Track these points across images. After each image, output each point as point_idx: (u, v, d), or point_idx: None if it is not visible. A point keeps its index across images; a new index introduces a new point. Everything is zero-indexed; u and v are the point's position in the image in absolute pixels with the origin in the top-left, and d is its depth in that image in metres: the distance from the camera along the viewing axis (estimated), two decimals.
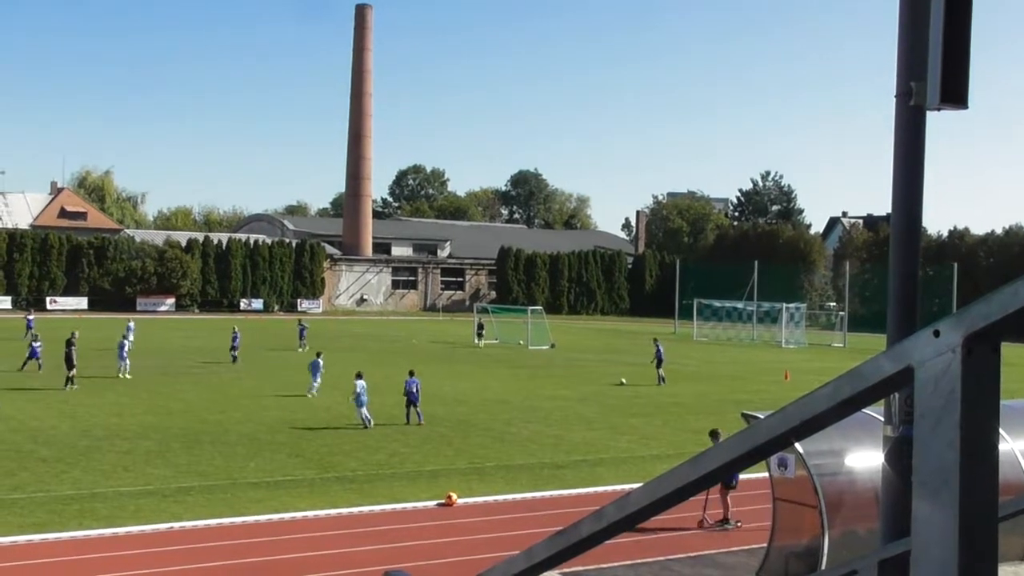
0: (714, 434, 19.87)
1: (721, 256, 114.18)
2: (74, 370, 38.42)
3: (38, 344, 44.38)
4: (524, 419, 33.44)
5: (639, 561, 16.39)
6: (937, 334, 1.96)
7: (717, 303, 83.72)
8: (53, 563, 16.15)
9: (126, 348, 43.37)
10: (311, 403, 35.45)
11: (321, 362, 37.70)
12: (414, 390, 31.12)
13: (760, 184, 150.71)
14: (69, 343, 39.16)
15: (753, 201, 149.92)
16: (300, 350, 57.32)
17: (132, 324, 58.53)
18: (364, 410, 30.31)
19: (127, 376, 41.54)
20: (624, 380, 43.82)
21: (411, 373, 32.00)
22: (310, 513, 19.86)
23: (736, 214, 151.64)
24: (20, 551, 16.75)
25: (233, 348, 50.83)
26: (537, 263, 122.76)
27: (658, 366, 44.58)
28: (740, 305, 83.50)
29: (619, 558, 15.92)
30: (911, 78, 5.89)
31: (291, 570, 16.15)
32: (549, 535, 3.90)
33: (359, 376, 30.85)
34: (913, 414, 1.93)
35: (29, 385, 38.61)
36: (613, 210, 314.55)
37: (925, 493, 1.94)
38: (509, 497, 21.97)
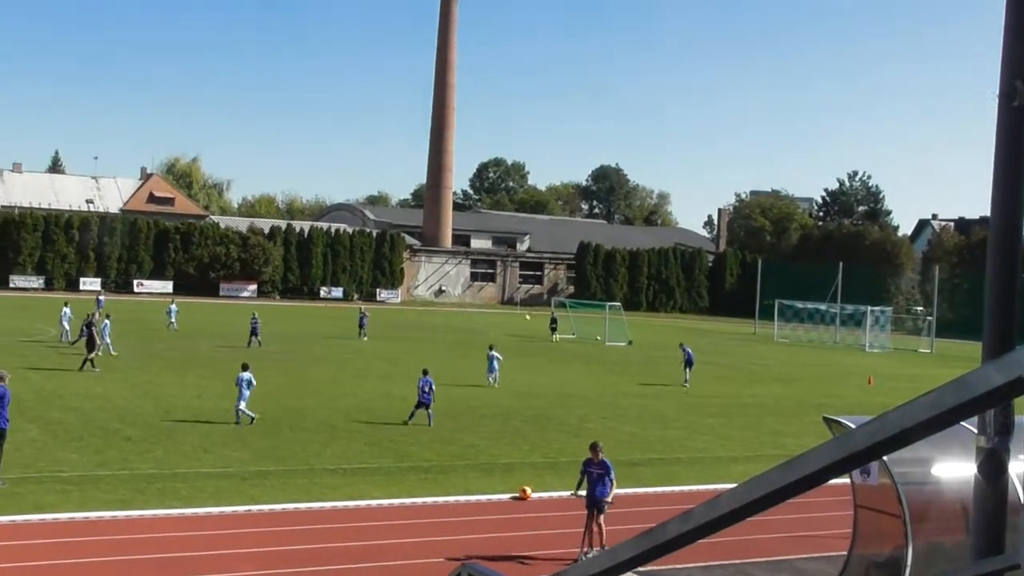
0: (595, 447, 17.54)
1: (804, 256, 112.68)
2: (94, 352, 38.09)
3: (107, 322, 44.84)
4: (599, 415, 33.31)
5: (714, 564, 16.20)
6: None
7: (799, 304, 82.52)
8: (135, 539, 16.44)
9: (107, 331, 42.74)
10: (387, 392, 35.66)
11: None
12: (427, 390, 29.14)
13: (847, 184, 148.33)
14: (89, 325, 39.29)
15: (839, 201, 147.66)
16: (362, 339, 57.71)
17: (174, 306, 60.48)
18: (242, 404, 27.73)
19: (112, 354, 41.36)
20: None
21: (424, 372, 30.03)
22: (385, 501, 19.97)
23: (821, 214, 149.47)
24: (105, 526, 17.09)
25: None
26: (616, 259, 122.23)
27: (687, 367, 43.06)
28: (823, 307, 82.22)
29: (693, 559, 15.75)
30: (1015, 77, 5.69)
31: (365, 556, 16.25)
32: (635, 535, 3.83)
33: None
34: (1010, 425, 1.84)
35: (114, 366, 39.37)
36: (694, 207, 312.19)
37: None
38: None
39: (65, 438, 24.41)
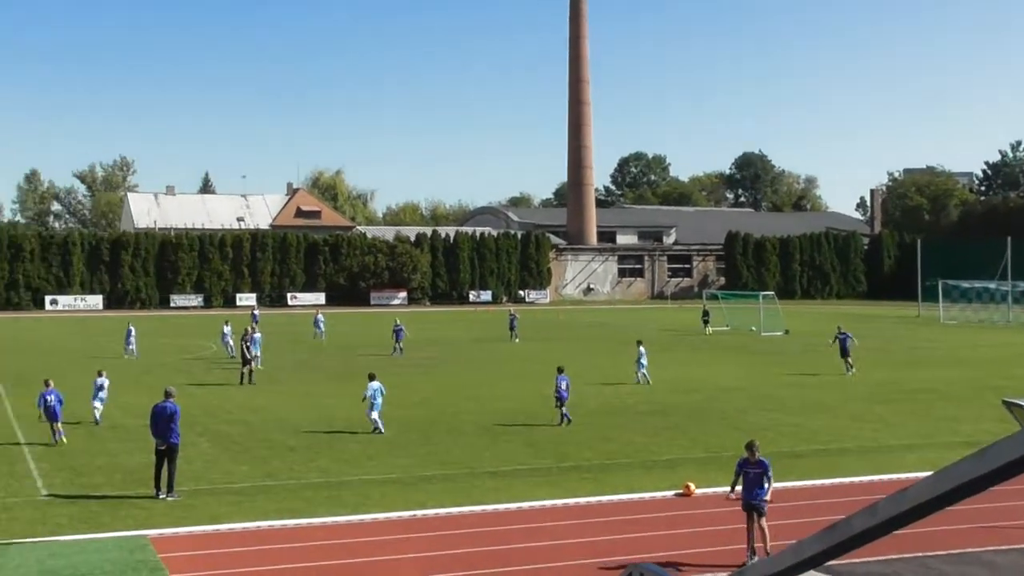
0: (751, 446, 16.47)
1: (966, 233, 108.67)
2: (248, 365, 38.75)
3: (257, 336, 45.76)
4: (760, 407, 32.60)
5: (894, 556, 15.56)
6: None
7: (965, 284, 79.42)
8: (306, 547, 16.68)
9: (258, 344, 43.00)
10: (542, 393, 35.57)
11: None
12: (563, 387, 28.58)
13: (1010, 155, 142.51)
14: (243, 338, 39.92)
15: (1002, 174, 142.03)
16: (514, 341, 57.76)
17: (321, 317, 62.39)
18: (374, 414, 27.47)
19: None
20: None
21: (560, 370, 29.32)
22: (547, 502, 19.84)
23: (983, 188, 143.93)
24: (276, 535, 17.40)
25: (397, 340, 50.88)
26: (767, 247, 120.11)
27: (844, 353, 41.55)
28: (992, 285, 78.85)
29: (872, 553, 15.16)
30: None
31: (531, 558, 16.14)
32: (819, 530, 3.56)
33: (372, 378, 28.03)
34: None
35: (275, 378, 40.31)
36: (844, 190, 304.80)
37: None
38: None
39: (234, 450, 25.03)
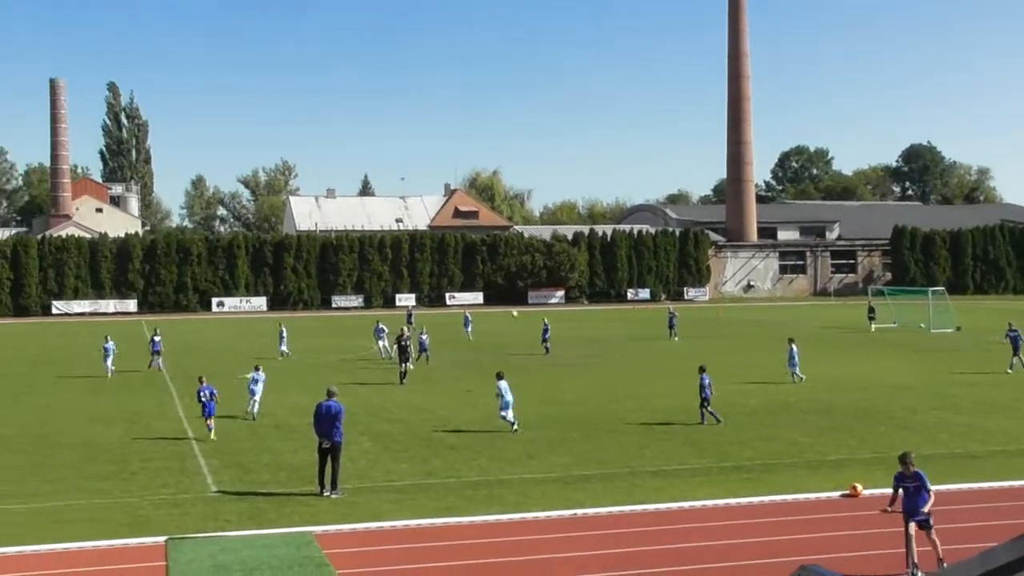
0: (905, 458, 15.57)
1: None
2: (405, 365, 39.27)
3: (424, 337, 46.46)
4: (930, 406, 31.45)
5: None
6: None
7: None
8: (466, 545, 16.77)
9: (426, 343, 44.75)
10: (694, 391, 35.08)
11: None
12: (706, 384, 28.40)
13: None
14: (399, 339, 40.45)
15: None
16: (673, 340, 57.15)
17: (469, 315, 64.05)
18: (510, 413, 27.52)
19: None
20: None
21: (701, 369, 29.15)
22: (709, 502, 19.50)
23: None
24: (436, 533, 17.55)
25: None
26: (936, 241, 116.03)
27: (1016, 351, 40.30)
28: None
29: None
30: None
31: (693, 558, 15.88)
32: (1012, 537, 3.31)
33: (500, 377, 27.98)
34: None
35: (433, 377, 40.80)
36: (1021, 181, 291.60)
37: None
38: None
39: (394, 449, 25.39)
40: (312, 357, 49.42)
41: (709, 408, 28.43)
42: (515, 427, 27.31)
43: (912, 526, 14.90)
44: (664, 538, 17.05)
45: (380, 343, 49.23)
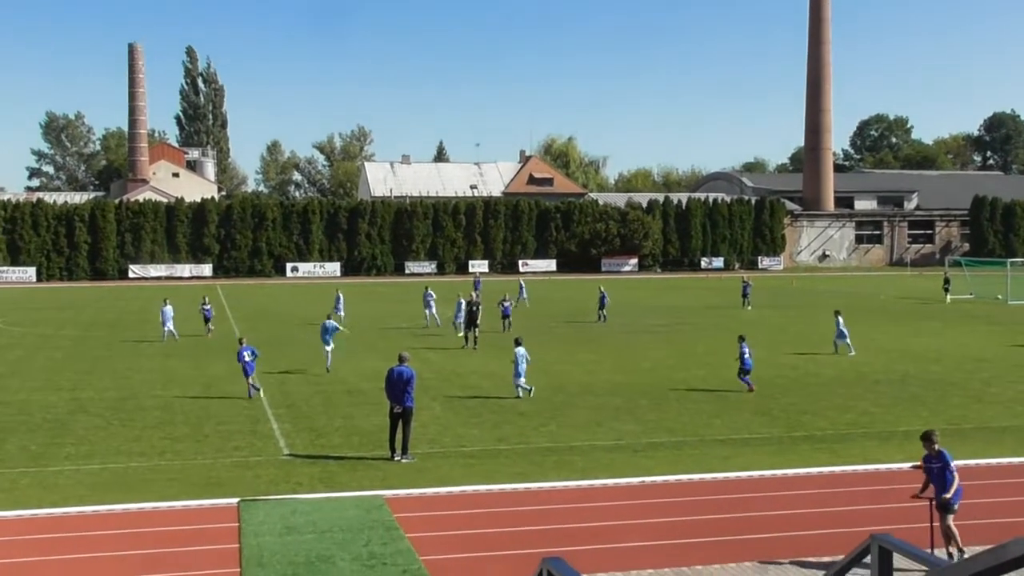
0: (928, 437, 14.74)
1: None
2: (474, 331, 39.71)
3: (508, 304, 46.59)
4: (1006, 379, 30.87)
5: None
6: None
7: None
8: (535, 511, 16.82)
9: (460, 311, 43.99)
10: (774, 362, 34.81)
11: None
12: (746, 356, 28.82)
13: None
14: (470, 304, 40.77)
15: None
16: (746, 309, 56.65)
17: (523, 282, 63.63)
18: (521, 380, 27.92)
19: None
20: None
21: (741, 339, 29.71)
22: (779, 472, 19.34)
23: None
24: (506, 498, 17.62)
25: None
26: (1016, 212, 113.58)
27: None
28: None
29: None
30: None
31: (759, 527, 15.77)
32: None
33: (518, 343, 28.24)
34: None
35: (504, 344, 40.86)
36: None
37: None
38: (993, 461, 20.26)
39: (465, 414, 25.51)
40: (384, 322, 49.77)
41: (745, 377, 28.81)
42: (530, 392, 27.79)
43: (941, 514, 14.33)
44: (733, 507, 16.95)
45: (428, 311, 48.54)
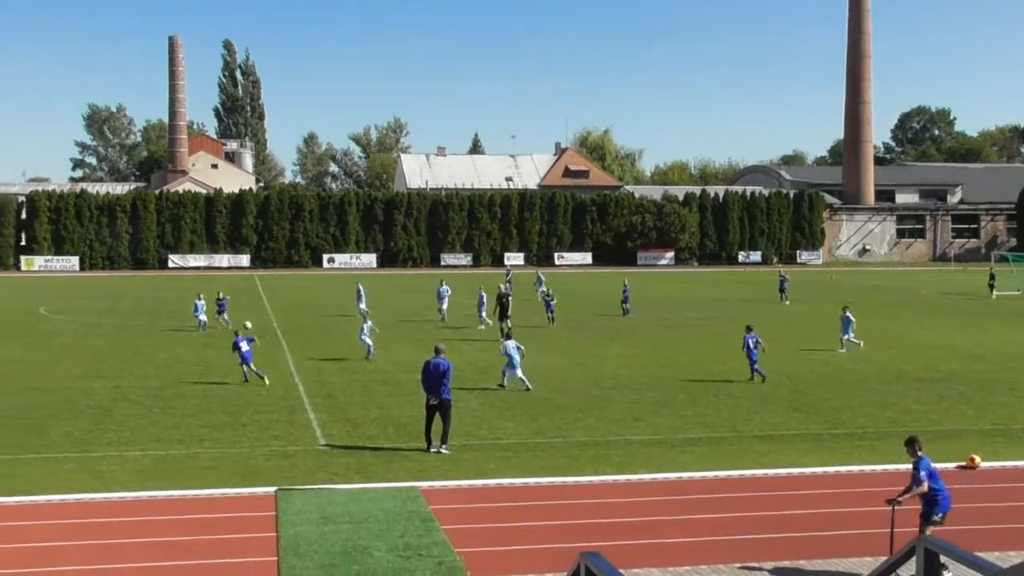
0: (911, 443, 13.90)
1: None
2: (506, 323, 39.88)
3: (552, 300, 46.22)
4: None
5: None
6: None
7: None
8: (571, 505, 16.74)
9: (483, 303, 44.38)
10: (809, 358, 34.51)
11: (513, 344, 28.51)
12: (752, 346, 28.82)
13: None
14: (500, 296, 41.11)
15: None
16: (784, 303, 56.23)
17: (542, 275, 63.18)
18: (518, 372, 27.88)
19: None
20: None
21: (748, 328, 29.49)
22: (818, 469, 19.13)
23: None
24: (542, 492, 17.55)
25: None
26: None
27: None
28: None
29: None
30: None
31: (801, 525, 15.60)
32: None
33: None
34: None
35: (541, 336, 40.80)
36: None
37: None
38: None
39: (501, 407, 25.44)
40: (419, 314, 49.79)
41: (755, 366, 29.09)
42: (531, 387, 27.64)
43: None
44: (771, 504, 16.78)
45: (441, 305, 47.39)
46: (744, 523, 15.79)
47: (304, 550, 14.39)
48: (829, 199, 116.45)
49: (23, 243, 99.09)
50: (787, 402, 26.09)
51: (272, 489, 17.48)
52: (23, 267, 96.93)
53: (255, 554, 14.33)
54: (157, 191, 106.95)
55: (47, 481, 18.08)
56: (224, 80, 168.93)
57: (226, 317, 44.48)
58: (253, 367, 28.89)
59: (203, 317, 42.97)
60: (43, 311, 52.49)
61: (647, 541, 14.95)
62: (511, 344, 28.11)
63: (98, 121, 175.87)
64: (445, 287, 48.16)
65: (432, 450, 20.31)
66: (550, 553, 14.29)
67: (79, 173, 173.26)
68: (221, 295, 46.70)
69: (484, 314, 44.19)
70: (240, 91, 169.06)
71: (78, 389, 27.98)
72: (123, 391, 27.72)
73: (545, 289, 58.46)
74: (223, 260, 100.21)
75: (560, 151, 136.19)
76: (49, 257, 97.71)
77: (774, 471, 18.96)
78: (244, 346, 28.91)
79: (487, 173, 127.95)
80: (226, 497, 17.18)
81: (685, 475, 18.63)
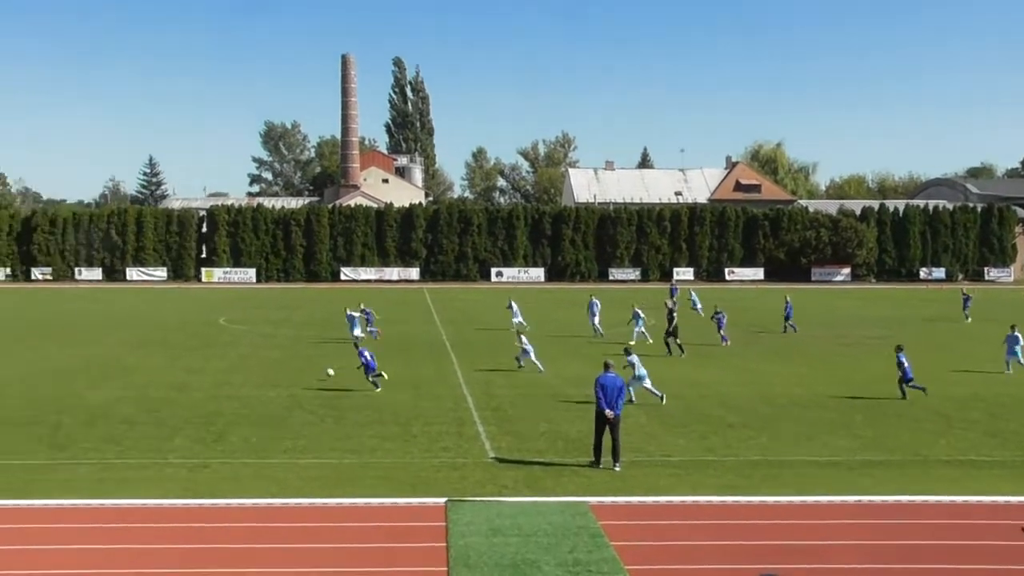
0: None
1: None
2: (673, 339, 39.54)
3: (723, 318, 44.94)
4: None
5: None
6: None
7: None
8: (743, 525, 16.24)
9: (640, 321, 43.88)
10: (998, 379, 32.90)
11: (635, 359, 27.99)
12: (905, 366, 28.76)
13: None
14: (669, 310, 41.00)
15: None
16: (967, 322, 53.87)
17: (694, 294, 61.60)
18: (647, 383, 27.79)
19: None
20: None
21: (898, 348, 29.63)
22: (1014, 498, 18.06)
23: None
24: (714, 511, 17.07)
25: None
26: None
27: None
28: None
29: None
30: None
31: (994, 557, 14.70)
32: None
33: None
34: None
35: (711, 353, 40.07)
36: None
37: None
38: None
39: (671, 424, 24.99)
40: (582, 330, 49.51)
41: (907, 386, 28.81)
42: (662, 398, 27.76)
43: None
44: (962, 534, 15.90)
45: (592, 320, 46.89)
46: (931, 552, 15.00)
47: (474, 561, 14.33)
48: (1021, 213, 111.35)
49: (203, 256, 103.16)
50: (979, 426, 24.83)
51: (442, 500, 17.51)
52: (203, 279, 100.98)
53: (425, 564, 14.34)
54: (330, 205, 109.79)
55: (227, 485, 18.58)
56: (395, 96, 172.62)
57: (372, 327, 45.24)
58: (372, 377, 30.20)
59: (357, 332, 42.87)
60: (222, 322, 54.35)
61: (826, 565, 14.34)
62: (633, 359, 27.71)
63: (274, 137, 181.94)
64: (595, 300, 47.96)
65: (601, 466, 20.05)
66: (722, 574, 13.86)
67: (256, 188, 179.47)
68: (363, 307, 47.42)
69: (596, 322, 46.21)
70: (410, 107, 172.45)
71: (255, 397, 28.77)
72: (297, 400, 28.34)
73: (700, 308, 56.92)
74: (393, 273, 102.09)
75: (731, 165, 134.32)
76: (228, 269, 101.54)
77: (964, 498, 17.98)
78: (368, 355, 30.39)
79: (656, 187, 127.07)
80: (397, 507, 17.29)
81: (865, 498, 17.86)
